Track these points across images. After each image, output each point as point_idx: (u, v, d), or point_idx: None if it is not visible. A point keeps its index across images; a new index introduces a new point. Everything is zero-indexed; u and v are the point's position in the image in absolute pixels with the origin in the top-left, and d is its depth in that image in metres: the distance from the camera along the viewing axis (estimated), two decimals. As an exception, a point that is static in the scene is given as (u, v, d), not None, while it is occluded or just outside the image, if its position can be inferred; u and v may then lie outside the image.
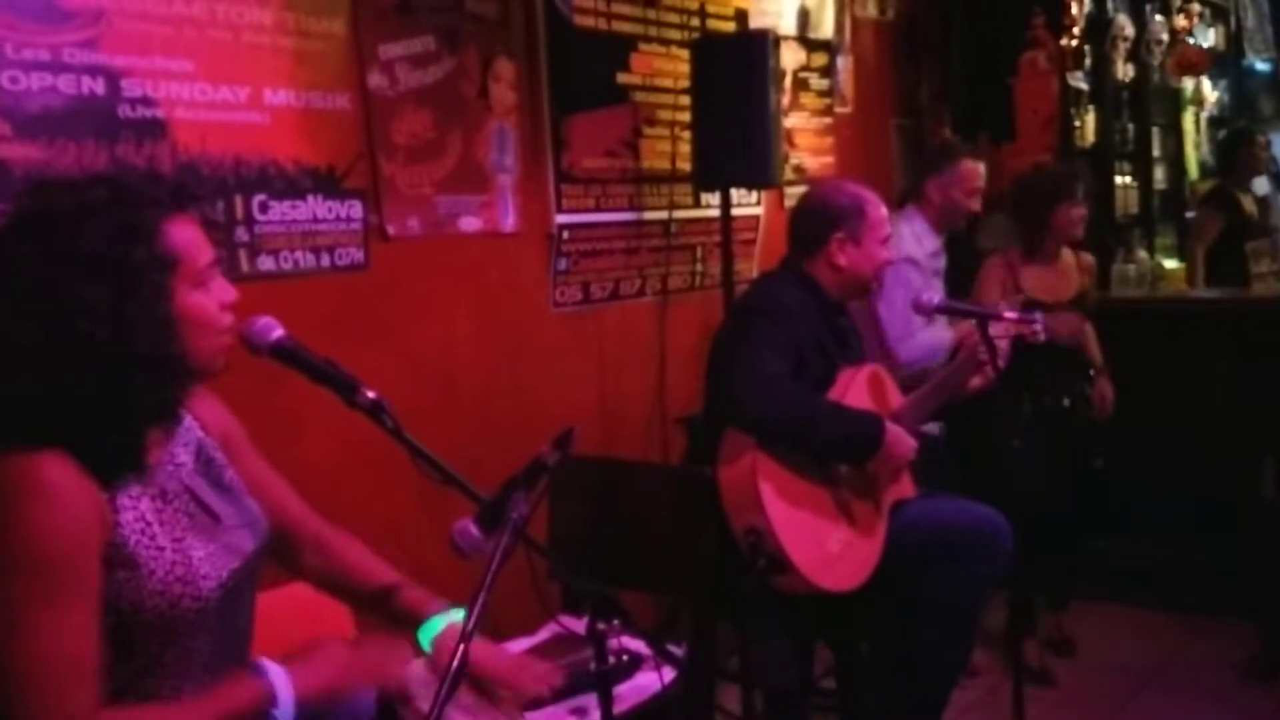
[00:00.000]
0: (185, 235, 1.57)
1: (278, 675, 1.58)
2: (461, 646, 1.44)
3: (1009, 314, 2.90)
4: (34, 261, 1.47)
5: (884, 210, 3.02)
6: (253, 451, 1.87)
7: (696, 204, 4.11)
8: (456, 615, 1.80)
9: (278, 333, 1.67)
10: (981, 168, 3.92)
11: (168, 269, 1.53)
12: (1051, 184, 3.90)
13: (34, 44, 2.34)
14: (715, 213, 3.93)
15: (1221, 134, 6.40)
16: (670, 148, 3.99)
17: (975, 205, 3.91)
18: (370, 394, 1.64)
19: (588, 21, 3.69)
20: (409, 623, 1.84)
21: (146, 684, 1.55)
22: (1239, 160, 5.49)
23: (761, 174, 3.72)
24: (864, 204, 2.99)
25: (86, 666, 1.45)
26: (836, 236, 2.95)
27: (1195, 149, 6.46)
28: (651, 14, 3.94)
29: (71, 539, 1.44)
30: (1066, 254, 3.89)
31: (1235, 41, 6.91)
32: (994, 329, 2.84)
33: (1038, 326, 2.88)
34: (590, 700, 1.85)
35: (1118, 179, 5.49)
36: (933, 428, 3.08)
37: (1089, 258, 4.09)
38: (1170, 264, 5.39)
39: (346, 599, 2.02)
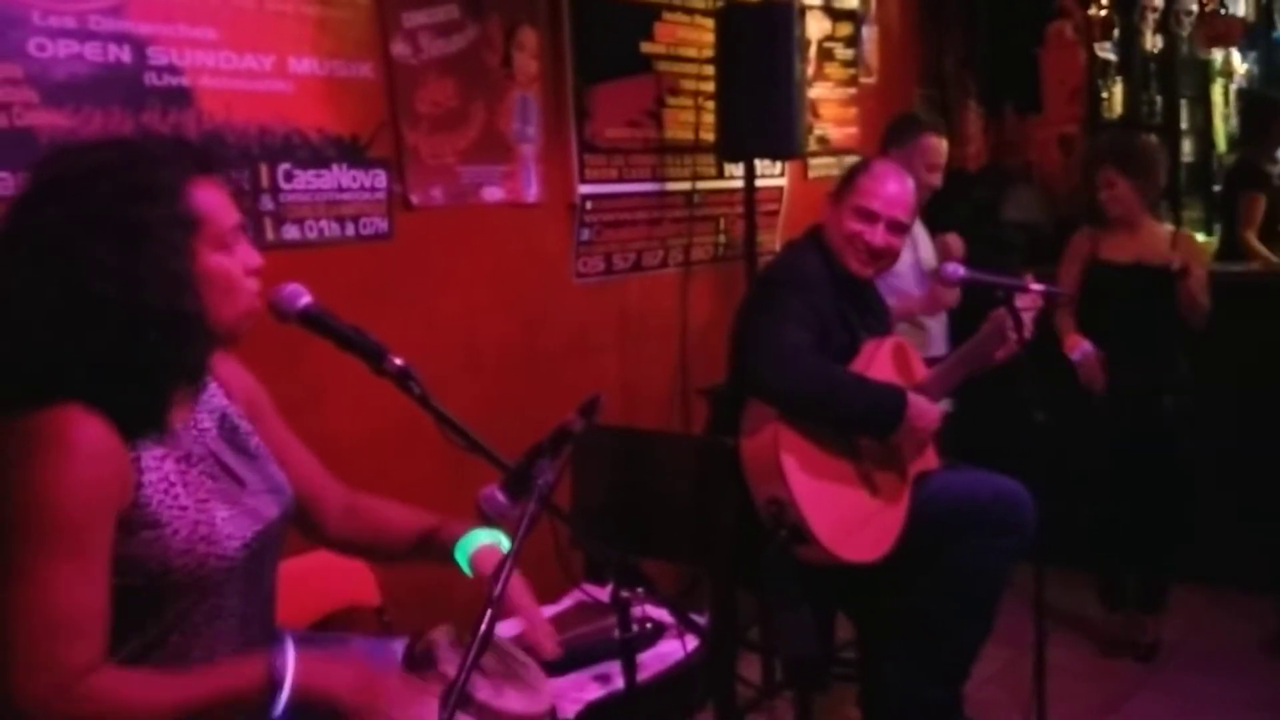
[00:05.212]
0: (209, 197, 1.58)
1: (287, 665, 1.53)
2: (489, 611, 1.45)
3: (1034, 285, 2.88)
4: (50, 222, 1.49)
5: (887, 187, 2.90)
6: (277, 418, 1.87)
7: (720, 175, 4.09)
8: (489, 534, 1.79)
9: (305, 299, 1.67)
10: (944, 144, 3.89)
11: (189, 229, 1.54)
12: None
13: (60, 11, 2.34)
14: (739, 183, 3.92)
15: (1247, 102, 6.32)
16: (694, 118, 3.97)
17: (935, 180, 3.85)
18: (397, 360, 1.64)
19: (611, -10, 3.67)
20: (449, 552, 1.82)
21: (175, 640, 1.56)
22: (1270, 131, 5.41)
23: (785, 145, 3.71)
24: (861, 171, 2.97)
25: (85, 623, 1.45)
26: (830, 194, 2.98)
27: (1224, 121, 6.39)
28: (675, -18, 3.92)
29: (85, 497, 1.44)
30: (1156, 225, 3.82)
31: (1265, 12, 6.82)
32: (1020, 301, 2.82)
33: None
34: (614, 667, 1.87)
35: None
36: (944, 404, 3.05)
37: (1187, 234, 4.00)
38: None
39: (382, 559, 2.02)
